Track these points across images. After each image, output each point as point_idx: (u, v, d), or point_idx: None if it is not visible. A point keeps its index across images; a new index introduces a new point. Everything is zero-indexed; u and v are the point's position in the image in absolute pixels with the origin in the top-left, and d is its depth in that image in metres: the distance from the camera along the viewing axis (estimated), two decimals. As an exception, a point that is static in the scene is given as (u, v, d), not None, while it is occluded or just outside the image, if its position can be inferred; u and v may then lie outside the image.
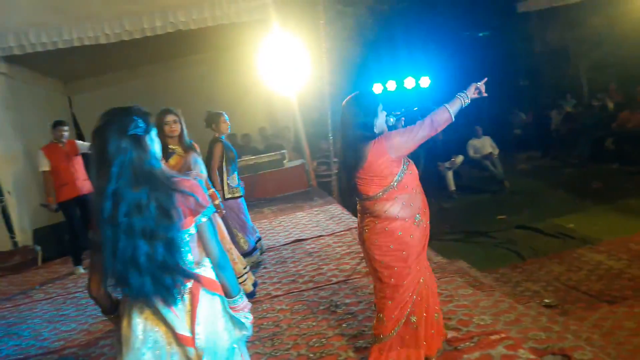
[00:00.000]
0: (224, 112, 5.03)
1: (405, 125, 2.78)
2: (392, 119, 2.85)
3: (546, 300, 5.00)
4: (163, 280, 1.71)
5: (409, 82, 10.81)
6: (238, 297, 1.92)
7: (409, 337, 2.72)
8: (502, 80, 13.05)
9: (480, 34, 13.67)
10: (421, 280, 2.71)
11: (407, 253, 2.63)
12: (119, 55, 8.56)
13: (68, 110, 10.23)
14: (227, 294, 1.90)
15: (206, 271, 1.85)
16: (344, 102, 2.76)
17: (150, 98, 10.09)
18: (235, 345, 1.90)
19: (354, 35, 9.60)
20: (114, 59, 8.90)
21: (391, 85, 10.61)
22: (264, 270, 5.03)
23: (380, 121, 2.69)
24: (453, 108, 2.62)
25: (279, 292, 4.37)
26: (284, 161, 8.81)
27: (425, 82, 10.97)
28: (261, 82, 8.01)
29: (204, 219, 1.82)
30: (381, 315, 2.74)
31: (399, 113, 2.94)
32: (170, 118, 4.09)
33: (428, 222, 2.78)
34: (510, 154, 10.96)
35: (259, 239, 5.29)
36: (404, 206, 2.62)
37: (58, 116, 9.40)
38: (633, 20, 9.80)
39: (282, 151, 8.94)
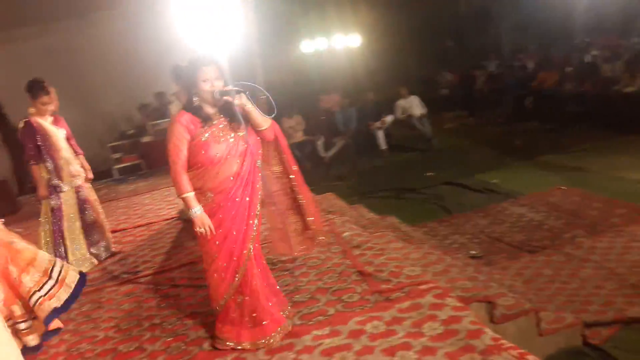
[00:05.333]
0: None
1: None
2: None
3: (472, 252, 5.26)
4: None
5: (338, 40, 10.71)
6: None
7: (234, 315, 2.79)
8: (428, 41, 13.33)
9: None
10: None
11: None
12: (31, 8, 7.89)
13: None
14: None
15: None
16: None
17: (68, 56, 9.46)
18: None
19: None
20: (26, 10, 8.19)
21: (321, 42, 10.49)
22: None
23: None
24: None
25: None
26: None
27: (355, 40, 10.92)
28: (186, 39, 7.64)
29: None
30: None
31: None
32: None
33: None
34: (437, 113, 11.25)
35: None
36: None
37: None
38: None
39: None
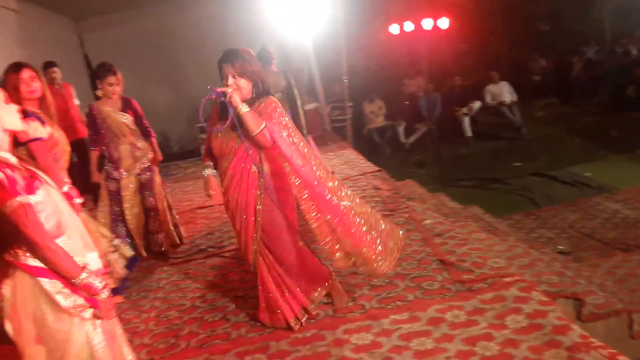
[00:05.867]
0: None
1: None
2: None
3: (560, 247, 5.02)
4: None
5: (427, 23, 10.42)
6: None
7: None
8: (522, 24, 12.67)
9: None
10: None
11: None
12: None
13: (79, 50, 10.08)
14: None
15: None
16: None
17: (159, 39, 9.92)
18: None
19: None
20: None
21: (409, 26, 10.25)
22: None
23: None
24: None
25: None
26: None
27: (444, 23, 10.58)
28: (274, 22, 7.78)
29: None
30: None
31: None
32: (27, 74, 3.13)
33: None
34: (528, 100, 10.73)
35: None
36: None
37: (71, 55, 9.37)
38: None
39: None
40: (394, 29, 10.11)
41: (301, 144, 2.78)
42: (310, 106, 8.61)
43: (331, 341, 2.73)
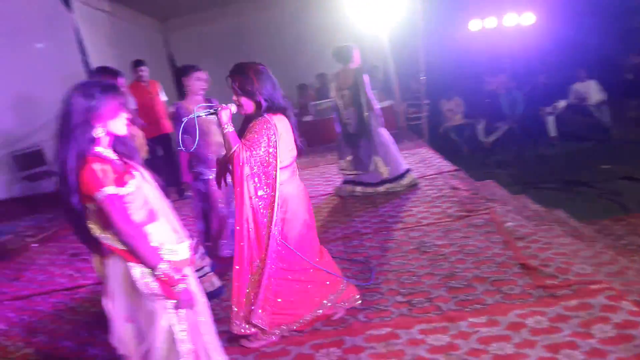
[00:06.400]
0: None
1: None
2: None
3: (653, 255, 4.66)
4: None
5: (510, 19, 10.00)
6: None
7: None
8: (613, 19, 11.87)
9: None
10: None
11: None
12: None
13: (164, 49, 10.58)
14: None
15: None
16: None
17: (239, 38, 10.22)
18: None
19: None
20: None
21: (491, 22, 9.89)
22: (353, 209, 5.06)
23: None
24: None
25: (368, 230, 4.39)
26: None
27: (528, 18, 10.12)
28: (351, 19, 7.77)
29: None
30: None
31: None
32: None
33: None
34: (618, 100, 10.05)
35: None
36: None
37: (156, 54, 9.86)
38: None
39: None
40: (475, 25, 9.81)
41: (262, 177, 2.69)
42: (385, 104, 8.56)
43: (406, 340, 2.71)
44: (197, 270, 3.28)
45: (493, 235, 3.87)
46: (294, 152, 2.82)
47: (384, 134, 5.34)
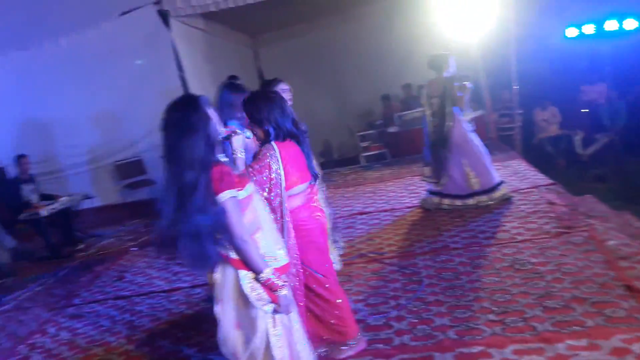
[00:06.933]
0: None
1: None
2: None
3: None
4: None
5: (611, 25, 9.40)
6: None
7: None
8: None
9: None
10: None
11: None
12: (299, 8, 8.84)
13: (254, 63, 10.97)
14: None
15: None
16: None
17: (325, 50, 10.39)
18: None
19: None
20: (294, 12, 9.21)
21: (589, 28, 9.34)
22: (441, 222, 4.95)
23: None
24: None
25: (458, 245, 4.27)
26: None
27: (630, 24, 9.46)
28: (437, 28, 7.63)
29: None
30: None
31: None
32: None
33: None
34: None
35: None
36: None
37: (247, 69, 10.25)
38: None
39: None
40: (572, 32, 9.30)
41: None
42: (475, 114, 8.31)
43: (499, 360, 2.60)
44: None
45: (593, 253, 3.62)
46: (307, 179, 2.78)
47: (476, 144, 5.18)
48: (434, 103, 5.27)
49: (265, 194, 2.57)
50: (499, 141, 8.23)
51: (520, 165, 6.53)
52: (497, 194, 5.14)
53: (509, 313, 3.03)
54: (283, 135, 2.66)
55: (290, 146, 2.69)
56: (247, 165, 2.64)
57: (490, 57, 7.99)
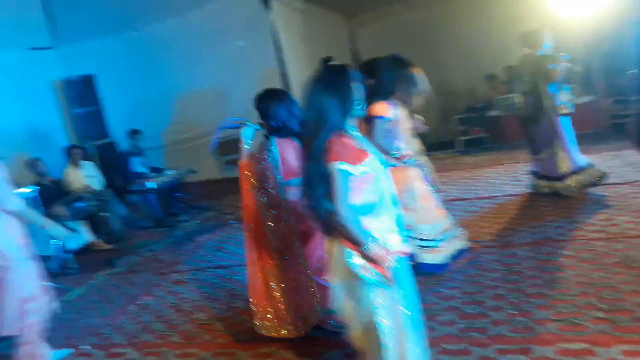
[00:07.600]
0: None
1: None
2: None
3: None
4: None
5: None
6: None
7: None
8: None
9: None
10: None
11: None
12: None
13: (348, 45, 10.90)
14: None
15: None
16: None
17: (424, 30, 10.07)
18: None
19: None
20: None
21: None
22: (545, 213, 4.73)
23: None
24: None
25: (562, 237, 4.06)
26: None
27: None
28: (547, 7, 7.14)
29: None
30: None
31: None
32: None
33: None
34: None
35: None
36: None
37: (342, 50, 10.23)
38: None
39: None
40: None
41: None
42: (585, 99, 7.76)
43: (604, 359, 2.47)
44: None
45: None
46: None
47: (563, 127, 4.96)
48: (525, 81, 5.06)
49: (259, 182, 3.00)
50: (612, 129, 7.63)
51: (635, 156, 6.02)
52: (591, 170, 4.97)
53: (618, 312, 2.85)
54: (285, 132, 2.96)
55: (288, 143, 2.96)
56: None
57: (605, 37, 7.39)
